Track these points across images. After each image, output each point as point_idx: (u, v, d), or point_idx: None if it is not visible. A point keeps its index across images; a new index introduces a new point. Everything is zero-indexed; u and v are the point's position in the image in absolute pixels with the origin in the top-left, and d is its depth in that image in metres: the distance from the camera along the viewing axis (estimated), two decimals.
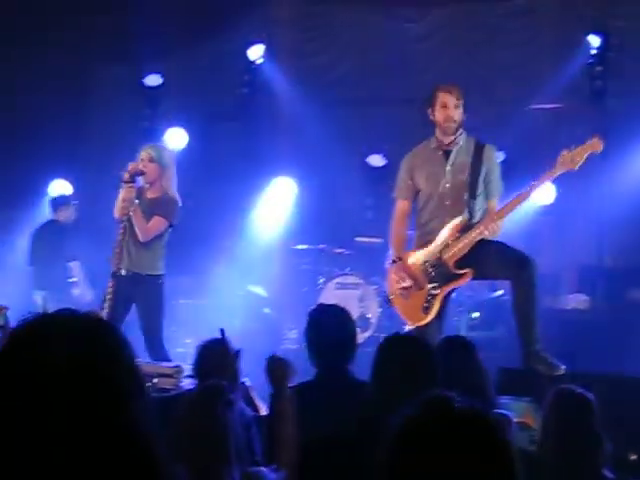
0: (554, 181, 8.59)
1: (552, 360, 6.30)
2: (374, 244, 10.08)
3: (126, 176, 7.70)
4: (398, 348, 4.17)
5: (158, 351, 7.82)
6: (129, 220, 7.80)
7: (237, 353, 5.15)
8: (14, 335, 1.75)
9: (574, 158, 6.42)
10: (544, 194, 9.65)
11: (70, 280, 10.30)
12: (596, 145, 6.49)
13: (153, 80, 11.63)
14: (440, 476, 1.83)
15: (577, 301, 9.98)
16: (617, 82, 10.89)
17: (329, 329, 4.93)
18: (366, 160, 11.27)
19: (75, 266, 10.30)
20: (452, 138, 6.65)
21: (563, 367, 6.28)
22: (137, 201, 7.84)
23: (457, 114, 6.64)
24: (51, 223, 10.48)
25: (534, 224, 10.37)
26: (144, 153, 7.93)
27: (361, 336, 8.88)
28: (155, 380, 6.91)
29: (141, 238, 7.84)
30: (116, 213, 7.81)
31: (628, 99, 10.78)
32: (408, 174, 6.78)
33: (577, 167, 6.45)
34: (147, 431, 1.72)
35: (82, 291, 10.31)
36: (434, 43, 12.04)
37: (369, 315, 9.85)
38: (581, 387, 4.67)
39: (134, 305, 7.95)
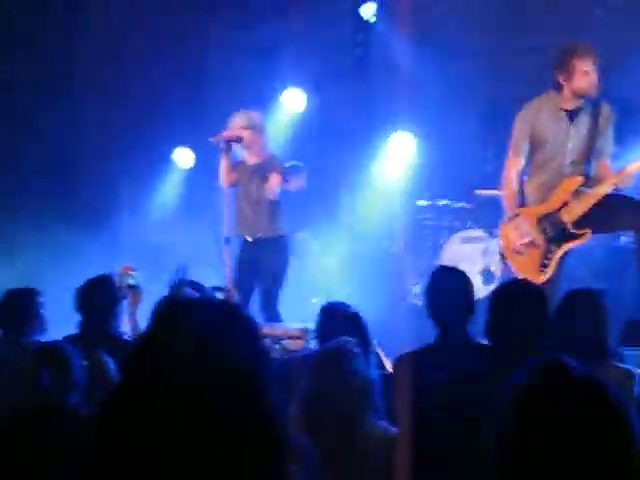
0: None
1: None
2: (495, 197, 10.03)
3: (223, 144, 7.93)
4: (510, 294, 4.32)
5: (272, 314, 8.01)
6: (243, 186, 8.07)
7: (355, 316, 5.27)
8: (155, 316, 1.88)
9: None
10: None
11: None
12: None
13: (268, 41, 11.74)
14: (557, 445, 1.90)
15: None
16: None
17: (446, 292, 4.95)
18: (485, 111, 11.21)
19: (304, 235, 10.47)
20: (581, 101, 6.56)
21: None
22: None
23: (595, 79, 6.54)
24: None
25: None
26: (237, 120, 8.11)
27: (485, 289, 8.93)
28: (284, 342, 7.09)
29: (271, 196, 8.03)
30: (225, 183, 8.02)
31: None
32: (527, 128, 6.68)
33: None
34: (273, 408, 1.79)
35: None
36: None
37: (493, 268, 9.73)
38: None
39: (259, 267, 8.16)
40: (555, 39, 11.18)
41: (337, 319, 5.24)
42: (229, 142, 7.97)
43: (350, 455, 3.96)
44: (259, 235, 8.16)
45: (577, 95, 6.53)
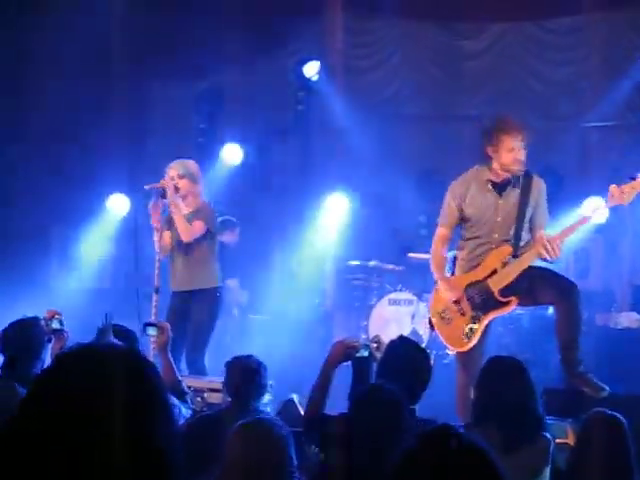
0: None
1: (596, 382, 6.34)
2: (427, 261, 10.11)
3: (157, 192, 7.96)
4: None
5: (198, 365, 7.98)
6: (175, 237, 8.08)
7: (260, 368, 5.32)
8: (57, 359, 1.92)
9: (623, 194, 6.43)
10: (597, 214, 9.62)
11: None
12: None
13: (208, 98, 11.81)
14: None
15: (629, 320, 9.91)
16: None
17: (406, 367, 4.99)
18: (420, 176, 11.37)
19: (233, 283, 10.40)
20: (509, 175, 6.65)
21: (607, 389, 6.31)
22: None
23: (524, 155, 6.64)
24: None
25: (586, 242, 10.38)
26: (172, 170, 8.13)
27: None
28: (205, 395, 7.07)
29: (184, 238, 8.03)
30: (160, 250, 8.06)
31: None
32: (456, 202, 6.73)
33: (626, 203, 6.48)
34: (172, 459, 1.83)
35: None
36: (489, 59, 12.15)
37: (421, 332, 9.77)
38: (624, 410, 4.75)
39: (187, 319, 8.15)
40: (490, 109, 11.52)
41: (241, 373, 5.29)
42: (164, 191, 7.97)
43: None
44: (188, 286, 8.14)
45: (506, 170, 6.61)
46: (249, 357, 5.49)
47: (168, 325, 6.33)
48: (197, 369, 7.90)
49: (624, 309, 10.34)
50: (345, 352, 5.20)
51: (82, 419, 1.79)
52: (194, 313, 8.13)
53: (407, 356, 5.11)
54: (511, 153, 6.54)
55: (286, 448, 3.87)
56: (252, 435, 3.88)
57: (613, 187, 6.43)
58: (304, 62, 11.70)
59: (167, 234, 8.17)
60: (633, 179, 6.47)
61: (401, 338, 5.38)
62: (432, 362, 5.92)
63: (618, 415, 4.57)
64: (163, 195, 8.01)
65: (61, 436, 1.78)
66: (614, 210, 9.77)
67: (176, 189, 8.04)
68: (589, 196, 9.52)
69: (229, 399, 5.42)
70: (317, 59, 11.70)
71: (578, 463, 4.50)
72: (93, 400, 1.80)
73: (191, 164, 8.32)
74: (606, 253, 10.93)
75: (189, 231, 8.04)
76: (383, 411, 4.21)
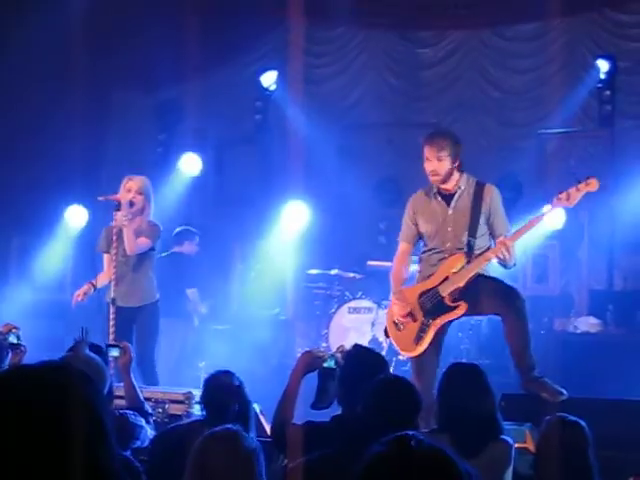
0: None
1: (553, 386, 6.40)
2: (386, 268, 10.17)
3: (120, 204, 7.98)
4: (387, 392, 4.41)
5: (149, 377, 8.00)
6: (122, 252, 8.10)
7: (240, 386, 5.30)
8: None
9: (570, 197, 6.58)
10: (553, 219, 9.75)
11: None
12: (593, 185, 6.63)
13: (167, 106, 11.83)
14: None
15: (588, 324, 10.03)
16: (627, 105, 11.05)
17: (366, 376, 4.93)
18: (380, 184, 11.45)
19: (192, 293, 10.42)
20: (451, 184, 6.78)
21: (565, 393, 6.38)
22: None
23: (439, 166, 6.72)
24: (174, 255, 10.33)
25: (543, 248, 10.55)
26: (133, 184, 8.13)
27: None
28: (166, 406, 7.05)
29: (129, 250, 8.05)
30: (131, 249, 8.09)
31: (638, 122, 10.90)
32: (411, 218, 6.93)
33: (572, 205, 6.64)
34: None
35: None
36: (448, 67, 12.24)
37: (381, 339, 9.64)
38: (583, 414, 4.81)
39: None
40: (449, 117, 11.64)
41: (220, 390, 5.26)
42: (119, 203, 7.97)
43: None
44: (135, 303, 8.18)
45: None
46: (227, 374, 5.45)
47: (129, 345, 6.32)
48: (149, 380, 7.92)
49: (582, 314, 10.45)
50: (312, 362, 5.24)
51: (11, 442, 1.80)
52: (141, 327, 8.17)
53: (364, 364, 5.13)
54: (427, 162, 6.74)
55: (255, 461, 3.86)
56: (220, 446, 3.84)
57: (561, 194, 6.59)
58: (262, 72, 11.75)
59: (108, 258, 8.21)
60: (579, 182, 6.60)
61: (355, 347, 5.41)
62: (391, 368, 5.98)
63: (578, 420, 4.62)
64: (117, 208, 8.00)
65: None
66: (571, 216, 10.06)
67: (131, 204, 8.04)
68: (547, 203, 9.61)
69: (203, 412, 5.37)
70: (276, 68, 11.76)
71: (539, 468, 4.54)
72: (24, 422, 1.82)
73: (148, 183, 8.34)
74: (564, 259, 11.00)
75: (136, 245, 8.06)
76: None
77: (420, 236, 6.93)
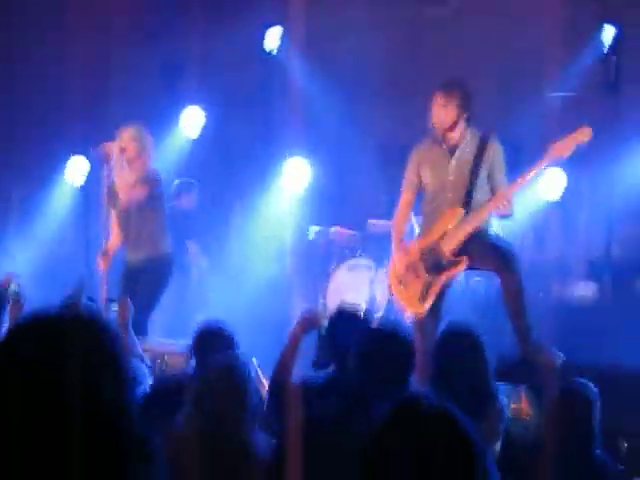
0: (564, 171, 8.82)
1: (550, 349, 6.47)
2: (387, 228, 10.18)
3: (104, 155, 7.97)
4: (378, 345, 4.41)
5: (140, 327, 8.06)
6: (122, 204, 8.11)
7: (231, 336, 5.36)
8: (12, 330, 1.98)
9: (564, 145, 6.64)
10: (553, 186, 9.79)
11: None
12: (584, 134, 6.71)
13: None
14: (409, 471, 2.04)
15: (585, 289, 10.16)
16: (633, 71, 10.99)
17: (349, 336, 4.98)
18: (381, 144, 11.41)
19: (192, 245, 10.43)
20: (457, 135, 6.83)
21: (561, 356, 6.43)
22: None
23: (444, 114, 6.82)
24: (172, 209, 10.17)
25: (543, 215, 10.54)
26: (124, 133, 8.14)
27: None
28: (166, 357, 7.12)
29: (123, 198, 8.05)
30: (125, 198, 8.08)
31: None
32: (415, 168, 7.02)
33: (568, 154, 6.70)
34: (129, 426, 1.90)
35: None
36: (453, 30, 12.10)
37: (378, 298, 9.90)
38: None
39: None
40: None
41: (211, 338, 5.31)
42: (108, 153, 7.99)
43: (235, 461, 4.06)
44: (138, 254, 8.19)
45: None
46: (218, 323, 5.51)
47: (128, 300, 6.37)
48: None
49: (580, 279, 10.53)
50: (312, 321, 5.29)
51: (39, 390, 1.83)
52: (144, 280, 8.18)
53: (348, 328, 5.14)
54: (431, 110, 6.86)
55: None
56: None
57: (556, 142, 6.64)
58: (266, 28, 11.69)
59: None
60: (575, 131, 6.83)
61: (339, 309, 5.45)
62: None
63: (587, 383, 4.66)
64: (108, 157, 8.00)
65: (18, 405, 1.83)
66: (571, 183, 10.06)
67: (122, 150, 8.03)
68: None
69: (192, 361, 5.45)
70: (279, 24, 11.67)
71: (544, 431, 4.60)
72: (51, 371, 1.85)
73: (143, 130, 8.32)
74: (563, 227, 11.02)
75: (130, 193, 8.05)
76: None
77: (423, 188, 6.98)
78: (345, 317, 5.34)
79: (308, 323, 5.29)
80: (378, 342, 4.58)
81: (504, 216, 6.93)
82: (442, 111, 6.87)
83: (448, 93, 6.90)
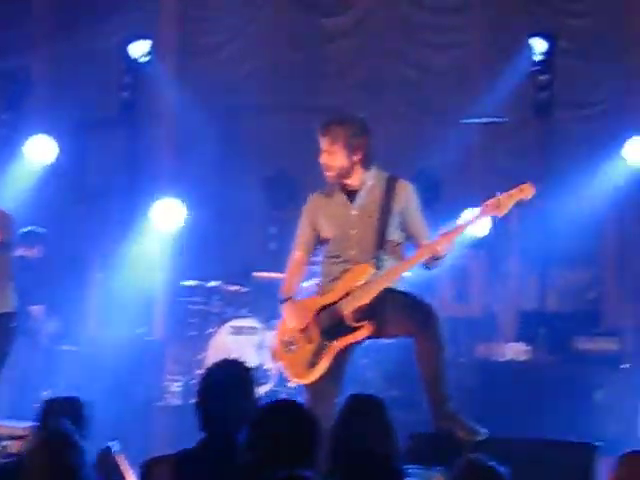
0: None
1: (470, 423, 6.49)
2: (276, 281, 10.15)
3: None
4: (273, 419, 4.43)
5: None
6: None
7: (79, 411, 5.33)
8: None
9: (500, 205, 6.67)
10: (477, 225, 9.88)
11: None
12: (527, 191, 6.74)
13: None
14: None
15: (516, 351, 10.21)
16: (567, 93, 11.24)
17: (221, 394, 4.92)
18: (272, 179, 11.47)
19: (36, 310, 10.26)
20: (355, 181, 6.79)
21: (484, 432, 6.46)
22: None
23: (332, 160, 6.74)
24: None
25: (466, 260, 10.70)
26: None
27: (259, 390, 9.03)
28: (5, 443, 7.00)
29: None
30: None
31: (578, 112, 11.21)
32: (309, 220, 6.89)
33: (502, 214, 6.72)
34: None
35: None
36: (354, 41, 12.30)
37: (269, 366, 9.93)
38: (503, 457, 4.88)
39: None
40: (355, 99, 11.62)
41: (59, 415, 5.25)
42: None
43: None
44: None
45: None
46: (71, 400, 5.45)
47: None
48: None
49: (509, 339, 10.64)
50: None
51: None
52: None
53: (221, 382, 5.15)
54: (321, 153, 6.76)
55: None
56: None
57: (491, 201, 6.66)
58: (131, 40, 11.56)
59: None
60: (512, 187, 6.71)
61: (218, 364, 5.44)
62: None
63: (495, 465, 4.69)
64: None
65: None
66: (498, 222, 10.16)
67: None
68: (470, 206, 9.70)
69: None
70: (147, 37, 11.59)
71: None
72: None
73: None
74: (489, 273, 11.21)
75: None
76: None
77: (321, 242, 6.95)
78: (218, 380, 5.29)
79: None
80: (267, 419, 4.58)
81: (432, 266, 6.85)
82: (328, 158, 6.79)
83: (332, 135, 6.76)
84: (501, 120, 11.40)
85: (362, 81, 12.15)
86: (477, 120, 11.47)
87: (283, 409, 4.56)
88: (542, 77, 11.00)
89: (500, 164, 11.19)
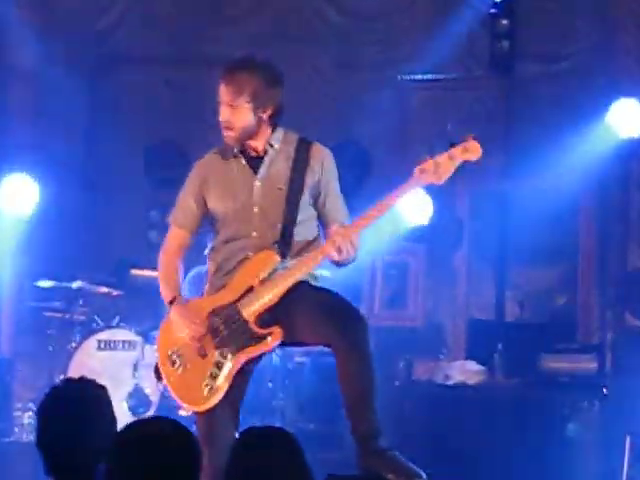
0: (429, 192, 8.90)
1: (405, 464, 6.26)
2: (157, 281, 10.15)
3: None
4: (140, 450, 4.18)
5: None
6: None
7: None
8: None
9: (439, 168, 6.48)
10: (415, 209, 9.83)
11: None
12: (472, 150, 6.54)
13: None
14: None
15: (465, 372, 10.18)
16: (531, 42, 11.22)
17: (69, 419, 4.73)
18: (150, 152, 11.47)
19: None
20: (260, 143, 6.66)
21: (422, 475, 6.26)
22: None
23: (234, 116, 6.63)
24: None
25: (403, 255, 10.77)
26: None
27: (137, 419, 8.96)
28: None
29: None
30: None
31: (546, 67, 11.18)
32: (195, 189, 6.74)
33: (442, 181, 6.50)
34: None
35: None
36: None
37: (147, 390, 9.97)
38: None
39: None
40: (262, 49, 11.51)
41: None
42: None
43: None
44: None
45: None
46: None
47: None
48: None
49: (458, 356, 10.65)
50: None
51: None
52: None
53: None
54: (218, 106, 6.60)
55: None
56: None
57: (426, 161, 6.47)
58: None
59: None
60: (452, 146, 6.41)
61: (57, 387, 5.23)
62: None
63: None
64: None
65: None
66: (443, 207, 10.12)
67: None
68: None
69: None
70: None
71: None
72: None
73: None
74: (431, 272, 11.16)
75: None
76: None
77: (210, 221, 6.75)
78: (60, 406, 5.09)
79: None
80: (131, 451, 4.31)
81: (342, 263, 6.75)
82: (228, 112, 6.65)
83: (237, 83, 6.67)
84: (449, 77, 11.37)
85: (269, 29, 12.02)
86: (418, 77, 11.44)
87: (154, 436, 4.38)
88: (501, 22, 10.97)
89: (448, 132, 11.04)
